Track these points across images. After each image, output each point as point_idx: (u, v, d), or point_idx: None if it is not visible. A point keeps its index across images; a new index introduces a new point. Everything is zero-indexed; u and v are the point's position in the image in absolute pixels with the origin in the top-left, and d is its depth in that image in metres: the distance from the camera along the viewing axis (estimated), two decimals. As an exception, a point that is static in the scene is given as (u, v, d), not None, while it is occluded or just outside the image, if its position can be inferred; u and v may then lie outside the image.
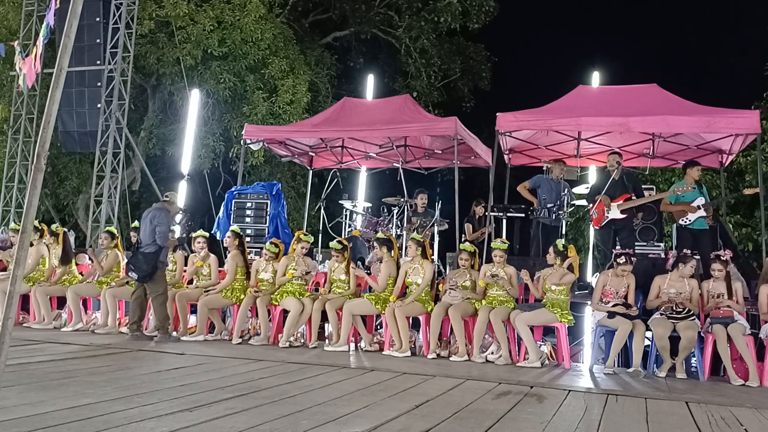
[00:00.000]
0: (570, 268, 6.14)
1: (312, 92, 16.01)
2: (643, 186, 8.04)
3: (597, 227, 7.56)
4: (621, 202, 7.22)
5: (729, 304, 5.79)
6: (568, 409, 3.99)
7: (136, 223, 7.80)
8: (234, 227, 7.68)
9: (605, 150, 9.08)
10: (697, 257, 6.91)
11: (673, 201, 7.16)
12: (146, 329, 6.90)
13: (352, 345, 6.70)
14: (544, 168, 8.97)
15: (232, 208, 9.16)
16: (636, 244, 7.71)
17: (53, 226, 8.11)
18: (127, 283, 7.25)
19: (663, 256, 7.64)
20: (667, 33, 22.01)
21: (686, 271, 5.97)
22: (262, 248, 7.54)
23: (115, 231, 7.98)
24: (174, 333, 6.84)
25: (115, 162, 12.63)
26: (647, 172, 10.15)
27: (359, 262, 7.94)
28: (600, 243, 7.82)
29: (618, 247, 6.56)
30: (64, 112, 12.62)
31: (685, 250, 6.24)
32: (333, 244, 6.98)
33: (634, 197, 7.31)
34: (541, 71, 19.98)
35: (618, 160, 7.40)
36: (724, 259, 5.96)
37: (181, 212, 7.11)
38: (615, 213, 7.22)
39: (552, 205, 7.93)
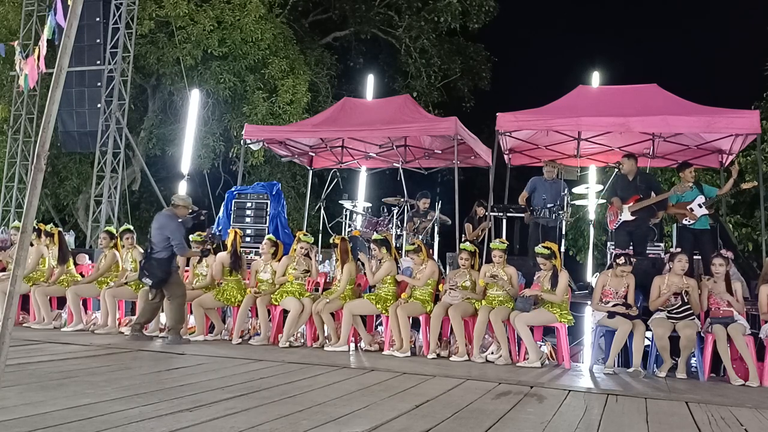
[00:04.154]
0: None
1: (312, 92, 16.02)
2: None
3: (612, 229, 7.60)
4: (632, 204, 7.25)
5: (729, 300, 5.78)
6: (568, 409, 3.99)
7: (126, 226, 7.84)
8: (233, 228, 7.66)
9: (605, 150, 9.09)
10: (697, 257, 6.92)
11: (674, 201, 7.19)
12: (146, 330, 6.89)
13: (352, 345, 6.70)
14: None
15: (232, 208, 9.16)
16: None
17: (48, 227, 8.07)
18: (126, 283, 7.26)
19: (663, 256, 7.64)
20: (667, 33, 22.04)
21: (676, 269, 5.97)
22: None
23: (115, 231, 7.95)
24: (185, 336, 6.79)
25: (115, 162, 12.64)
26: (647, 172, 10.14)
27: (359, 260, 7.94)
28: (616, 245, 7.81)
29: (630, 248, 6.59)
30: (64, 112, 12.63)
31: (671, 250, 6.25)
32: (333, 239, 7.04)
33: (641, 197, 7.32)
34: (541, 71, 20.01)
35: (632, 163, 7.40)
36: (726, 256, 5.96)
37: (194, 214, 6.98)
38: (626, 215, 7.25)
39: (552, 205, 7.92)
